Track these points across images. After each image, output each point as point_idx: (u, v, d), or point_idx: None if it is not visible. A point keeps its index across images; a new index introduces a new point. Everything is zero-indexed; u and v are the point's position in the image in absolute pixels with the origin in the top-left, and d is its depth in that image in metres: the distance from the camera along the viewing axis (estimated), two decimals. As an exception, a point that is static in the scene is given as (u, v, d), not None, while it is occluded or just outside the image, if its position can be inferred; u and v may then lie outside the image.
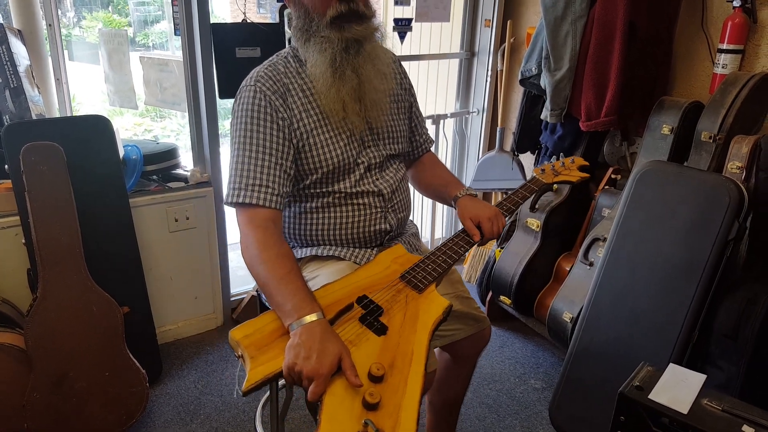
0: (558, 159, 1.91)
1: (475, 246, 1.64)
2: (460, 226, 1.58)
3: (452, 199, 1.64)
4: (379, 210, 1.52)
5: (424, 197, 3.15)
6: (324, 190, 1.48)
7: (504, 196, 1.80)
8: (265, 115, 1.38)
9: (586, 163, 1.90)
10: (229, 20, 2.71)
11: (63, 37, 2.34)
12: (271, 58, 1.48)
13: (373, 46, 1.44)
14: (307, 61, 1.43)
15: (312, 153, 1.43)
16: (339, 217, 1.50)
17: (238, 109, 1.40)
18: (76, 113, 2.44)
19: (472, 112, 3.18)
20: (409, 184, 1.73)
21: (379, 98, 1.48)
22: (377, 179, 1.52)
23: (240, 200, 1.35)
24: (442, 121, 3.08)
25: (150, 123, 5.19)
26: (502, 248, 2.67)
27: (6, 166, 2.02)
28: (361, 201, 1.50)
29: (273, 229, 1.35)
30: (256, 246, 1.31)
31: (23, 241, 2.07)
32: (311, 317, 1.17)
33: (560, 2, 2.29)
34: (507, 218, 1.62)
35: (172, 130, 5.14)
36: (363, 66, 1.42)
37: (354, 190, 1.49)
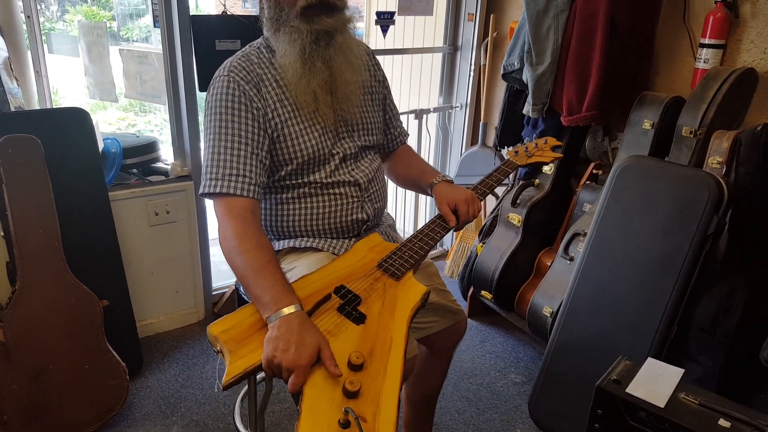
0: (531, 140, 1.91)
1: (452, 232, 1.65)
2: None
3: (428, 186, 1.64)
4: (355, 199, 1.52)
5: (406, 191, 3.16)
6: (299, 181, 1.48)
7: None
8: (240, 105, 1.37)
9: (559, 143, 1.90)
10: (212, 13, 2.69)
11: (46, 31, 2.31)
12: (243, 49, 1.47)
13: (345, 38, 1.43)
14: (276, 52, 1.42)
15: (287, 143, 1.42)
16: (315, 207, 1.49)
17: (212, 100, 1.39)
18: (58, 107, 2.41)
19: (455, 107, 3.18)
20: (386, 177, 1.73)
21: (351, 90, 1.48)
22: (353, 169, 1.52)
23: (217, 190, 1.34)
24: (425, 116, 3.08)
25: (134, 117, 5.14)
26: (484, 243, 2.68)
27: (-18, 159, 2.00)
28: (337, 191, 1.50)
29: (251, 219, 1.34)
30: (234, 237, 1.30)
31: (1, 233, 2.05)
32: (289, 309, 1.17)
33: (543, -4, 2.29)
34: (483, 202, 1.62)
35: (156, 125, 5.10)
36: (334, 58, 1.41)
37: (329, 180, 1.49)
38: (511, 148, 1.86)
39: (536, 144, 1.86)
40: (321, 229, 1.51)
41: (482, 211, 2.56)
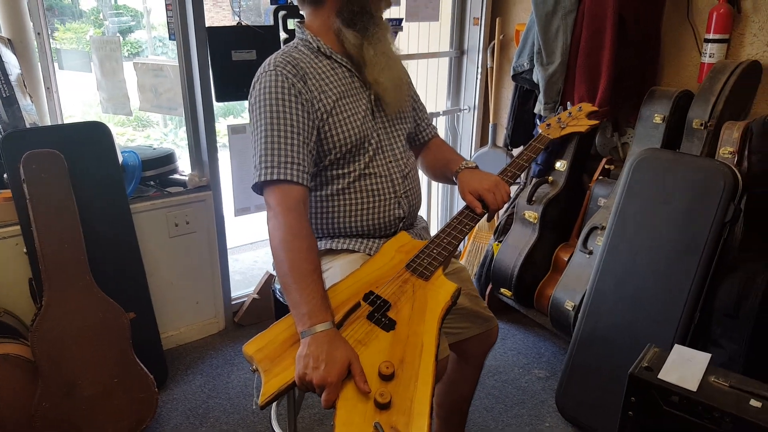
0: (565, 110, 1.81)
1: (482, 221, 1.59)
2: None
3: (453, 175, 1.63)
4: (391, 195, 1.53)
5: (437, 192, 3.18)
6: (339, 171, 1.49)
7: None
8: (290, 96, 1.39)
9: (595, 108, 1.79)
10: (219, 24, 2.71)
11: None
12: (282, 49, 1.50)
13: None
14: (345, 41, 1.48)
15: (331, 132, 1.45)
16: (354, 204, 1.51)
17: (260, 95, 1.40)
18: (78, 121, 2.41)
19: (464, 110, 3.23)
20: (420, 173, 1.73)
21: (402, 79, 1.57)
22: (389, 161, 1.54)
23: (274, 177, 1.34)
24: (433, 119, 3.11)
25: (132, 132, 5.15)
26: (500, 242, 2.71)
27: (5, 175, 2.00)
28: (373, 186, 1.51)
29: (303, 214, 1.35)
30: (287, 231, 1.30)
31: (24, 250, 2.04)
32: (321, 327, 1.19)
33: (550, -2, 2.34)
34: (513, 185, 1.60)
35: (156, 139, 5.09)
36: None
37: (366, 171, 1.50)
38: (542, 122, 1.76)
39: (569, 113, 1.76)
40: (360, 226, 1.53)
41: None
